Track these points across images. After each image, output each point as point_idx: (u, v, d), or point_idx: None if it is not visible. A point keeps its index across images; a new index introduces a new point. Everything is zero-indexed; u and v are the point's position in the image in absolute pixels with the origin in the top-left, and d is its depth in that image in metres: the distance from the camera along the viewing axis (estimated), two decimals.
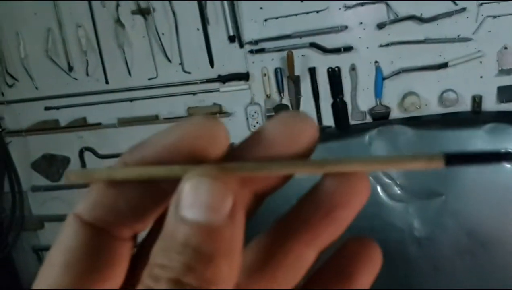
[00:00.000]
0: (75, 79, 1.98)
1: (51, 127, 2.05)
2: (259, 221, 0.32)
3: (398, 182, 1.65)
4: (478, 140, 1.58)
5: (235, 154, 0.24)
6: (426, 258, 1.66)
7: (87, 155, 2.07)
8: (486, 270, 1.61)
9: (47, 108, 2.04)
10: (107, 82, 1.95)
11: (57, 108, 2.04)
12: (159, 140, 0.23)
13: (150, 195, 0.23)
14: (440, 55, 1.68)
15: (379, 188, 1.66)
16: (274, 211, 0.29)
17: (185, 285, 0.20)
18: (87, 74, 1.95)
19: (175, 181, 0.21)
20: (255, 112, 1.87)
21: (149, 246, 0.21)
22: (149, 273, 0.20)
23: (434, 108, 1.74)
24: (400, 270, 1.69)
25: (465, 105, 1.72)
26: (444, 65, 1.68)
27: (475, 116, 1.69)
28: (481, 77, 1.68)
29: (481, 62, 1.67)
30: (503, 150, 0.22)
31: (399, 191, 1.65)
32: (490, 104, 1.70)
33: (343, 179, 0.23)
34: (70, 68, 1.97)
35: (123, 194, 0.23)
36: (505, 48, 1.63)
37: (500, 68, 1.65)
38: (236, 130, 1.89)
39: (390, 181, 1.66)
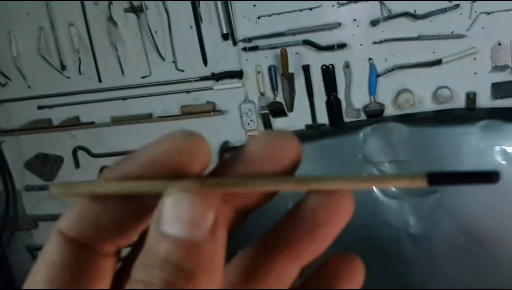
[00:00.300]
0: (68, 78, 1.97)
1: (44, 126, 2.04)
2: (257, 228, 0.32)
3: None
4: (472, 136, 1.59)
5: (218, 171, 0.24)
6: (421, 255, 1.66)
7: (81, 154, 2.06)
8: (481, 268, 1.62)
9: (39, 107, 2.03)
10: (100, 80, 1.94)
11: (50, 107, 2.03)
12: (142, 156, 0.23)
13: (133, 210, 0.23)
14: (433, 52, 1.68)
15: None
16: (272, 217, 0.29)
17: None
18: (80, 73, 1.94)
19: (158, 196, 0.21)
20: (249, 110, 1.86)
21: (133, 261, 0.21)
22: (129, 288, 0.20)
23: (428, 105, 1.74)
24: (395, 267, 1.69)
25: (459, 102, 1.72)
26: (438, 62, 1.68)
27: (469, 113, 1.69)
28: (475, 73, 1.68)
29: (475, 58, 1.67)
30: (487, 170, 0.22)
31: (394, 189, 1.65)
32: (484, 100, 1.70)
33: (326, 196, 0.24)
34: (63, 67, 1.96)
35: (106, 209, 0.23)
36: (499, 44, 1.63)
37: (494, 65, 1.65)
38: (230, 128, 1.89)
39: None
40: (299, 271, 0.25)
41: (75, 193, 0.23)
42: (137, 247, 0.24)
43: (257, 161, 0.23)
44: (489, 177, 0.22)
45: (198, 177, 0.23)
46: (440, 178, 0.22)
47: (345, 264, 0.26)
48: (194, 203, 0.20)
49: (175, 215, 0.20)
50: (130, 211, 0.23)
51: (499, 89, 1.67)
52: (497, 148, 1.57)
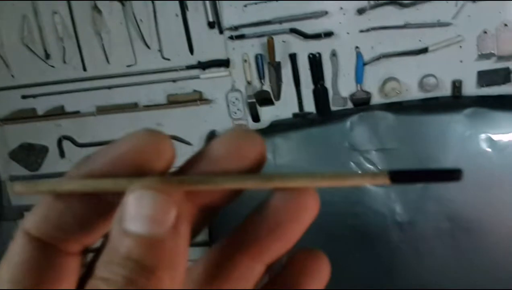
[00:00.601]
0: (52, 66, 1.95)
1: (29, 116, 2.02)
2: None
3: (379, 168, 1.66)
4: (458, 124, 1.59)
5: (182, 170, 0.24)
6: (408, 242, 1.67)
7: (66, 143, 2.04)
8: (468, 254, 1.63)
9: (24, 97, 2.01)
10: (84, 69, 1.92)
11: (34, 96, 2.00)
12: (105, 154, 0.23)
13: (96, 208, 0.23)
14: (420, 40, 1.68)
15: None
16: None
17: None
18: (64, 62, 1.92)
19: (121, 194, 0.21)
20: (236, 98, 1.85)
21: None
22: (91, 286, 0.20)
23: (414, 93, 1.75)
24: (382, 255, 1.70)
25: (445, 90, 1.73)
26: (424, 50, 1.68)
27: (455, 101, 1.70)
28: (461, 61, 1.69)
29: (461, 46, 1.67)
30: (449, 168, 0.22)
31: None
32: (470, 88, 1.71)
33: (291, 195, 0.24)
34: (47, 56, 1.93)
35: (70, 208, 0.23)
36: (485, 32, 1.63)
37: (479, 53, 1.66)
38: (217, 117, 1.88)
39: (371, 167, 1.67)
40: (265, 268, 0.25)
41: (37, 191, 0.23)
42: (104, 245, 0.24)
43: (220, 159, 0.23)
44: (452, 175, 0.22)
45: (161, 175, 0.23)
46: (402, 176, 0.22)
47: (310, 262, 0.26)
48: (156, 200, 0.20)
49: (137, 212, 0.20)
50: (93, 209, 0.23)
51: (484, 77, 1.68)
52: (483, 135, 1.58)
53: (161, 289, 0.20)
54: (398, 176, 0.22)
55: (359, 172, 0.24)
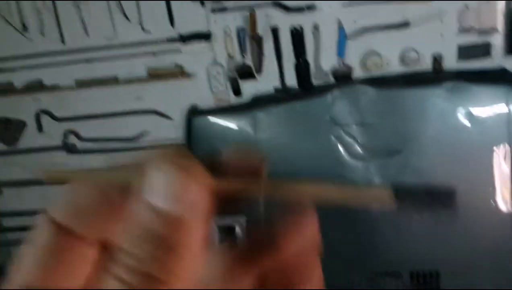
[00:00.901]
0: (30, 39, 1.91)
1: (6, 89, 1.98)
2: None
3: (359, 141, 1.67)
4: (438, 98, 1.61)
5: None
6: (386, 216, 1.69)
7: (44, 118, 2.01)
8: (446, 228, 1.66)
9: (1, 70, 1.97)
10: (63, 42, 1.89)
11: (12, 70, 1.96)
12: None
13: (118, 201, 0.23)
14: (402, 14, 1.68)
15: (341, 148, 1.67)
16: None
17: (154, 279, 0.20)
18: (42, 34, 1.88)
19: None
20: (218, 72, 1.84)
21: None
22: (120, 262, 0.21)
23: (396, 67, 1.75)
24: (362, 229, 1.71)
25: (426, 64, 1.73)
26: (406, 24, 1.68)
27: (436, 75, 1.71)
28: (442, 35, 1.69)
29: (441, 21, 1.67)
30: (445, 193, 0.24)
31: (360, 150, 1.67)
32: (451, 63, 1.71)
33: (291, 221, 0.26)
34: (24, 28, 1.89)
35: (92, 198, 0.24)
36: (466, 6, 1.64)
37: (460, 27, 1.66)
38: (199, 92, 1.87)
39: (352, 140, 1.67)
40: (257, 276, 0.27)
41: (64, 178, 0.25)
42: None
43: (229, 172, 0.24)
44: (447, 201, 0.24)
45: None
46: (405, 197, 0.24)
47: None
48: (183, 179, 0.21)
49: (162, 188, 0.21)
50: (114, 201, 0.24)
51: (465, 51, 1.69)
52: (463, 109, 1.59)
53: (183, 267, 0.21)
54: (402, 197, 0.24)
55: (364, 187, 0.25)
